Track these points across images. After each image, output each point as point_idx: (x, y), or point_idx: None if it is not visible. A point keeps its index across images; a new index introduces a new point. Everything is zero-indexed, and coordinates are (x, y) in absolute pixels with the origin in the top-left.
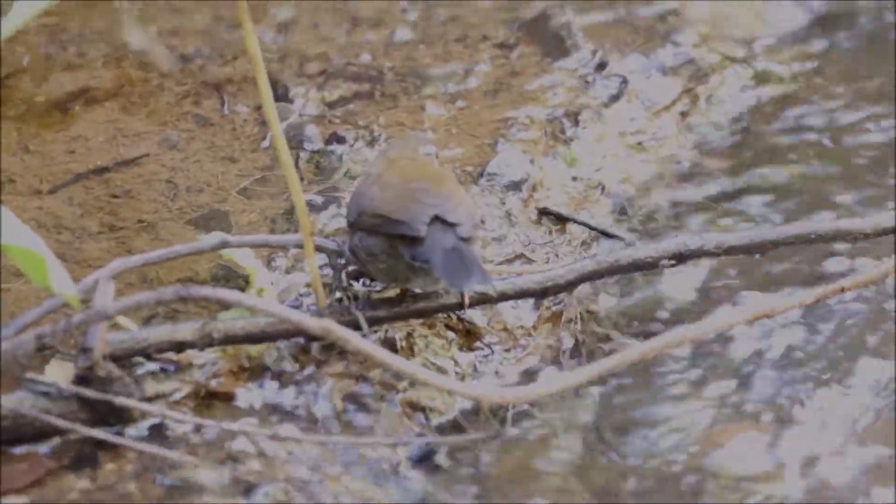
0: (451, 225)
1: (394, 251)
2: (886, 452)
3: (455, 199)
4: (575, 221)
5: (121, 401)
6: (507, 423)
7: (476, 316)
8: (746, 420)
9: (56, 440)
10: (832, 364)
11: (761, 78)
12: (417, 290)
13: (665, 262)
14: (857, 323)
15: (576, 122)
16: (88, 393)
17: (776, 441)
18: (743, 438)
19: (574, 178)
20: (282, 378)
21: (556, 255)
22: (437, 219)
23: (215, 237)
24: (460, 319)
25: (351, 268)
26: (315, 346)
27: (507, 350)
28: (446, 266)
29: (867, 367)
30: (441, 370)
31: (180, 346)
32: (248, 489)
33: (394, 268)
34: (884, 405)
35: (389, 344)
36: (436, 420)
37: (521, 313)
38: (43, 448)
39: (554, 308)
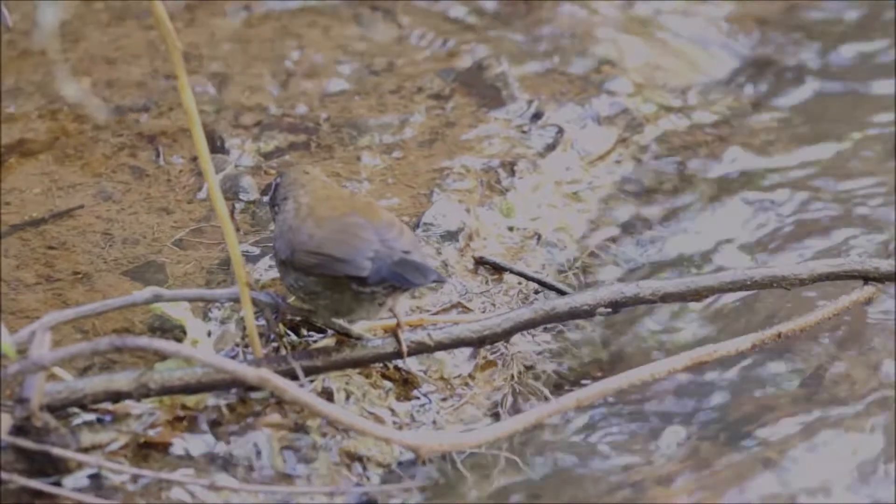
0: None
1: (338, 286)
2: None
3: (396, 228)
4: (511, 271)
5: (58, 451)
6: (448, 471)
7: (413, 365)
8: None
9: None
10: None
11: (696, 127)
12: (354, 334)
13: (602, 309)
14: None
15: (512, 172)
16: (25, 443)
17: None
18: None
19: (510, 228)
20: (219, 428)
21: (493, 305)
22: (383, 246)
23: (148, 291)
24: (397, 369)
25: (289, 317)
26: (252, 396)
27: (445, 399)
28: (397, 271)
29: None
30: (378, 419)
31: (117, 397)
32: None
33: (338, 301)
34: None
35: (327, 394)
36: (373, 469)
37: (458, 362)
38: None
39: (491, 357)
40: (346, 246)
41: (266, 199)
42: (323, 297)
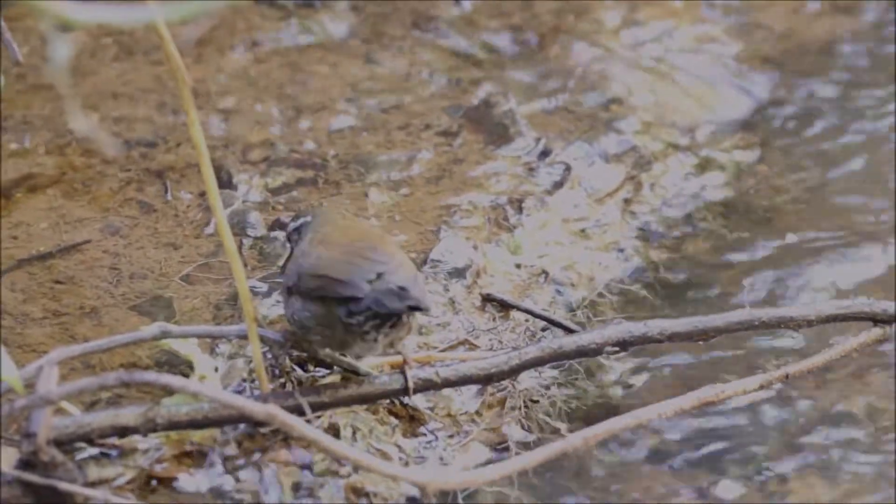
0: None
1: (329, 317)
2: None
3: (398, 259)
4: (518, 309)
5: (64, 486)
6: None
7: (420, 402)
8: None
9: None
10: None
11: (704, 166)
12: (361, 371)
13: (609, 348)
14: None
15: (519, 209)
16: (32, 478)
17: None
18: None
19: (518, 265)
20: (226, 463)
21: (500, 342)
22: (379, 277)
23: (156, 327)
24: (404, 405)
25: (295, 353)
26: (259, 432)
27: (451, 436)
28: (380, 300)
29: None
30: (385, 456)
31: (123, 432)
32: None
33: (330, 336)
34: None
35: (333, 430)
36: None
37: (464, 399)
38: None
39: (498, 394)
40: (348, 267)
41: (285, 232)
42: (315, 331)
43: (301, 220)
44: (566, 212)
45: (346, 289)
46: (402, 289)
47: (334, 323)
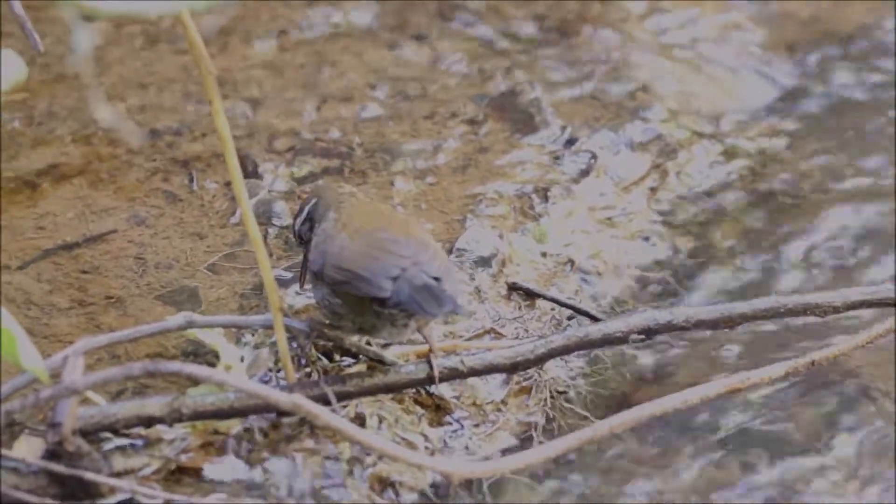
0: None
1: (360, 305)
2: None
3: (430, 249)
4: (544, 297)
5: (90, 476)
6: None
7: (445, 391)
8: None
9: None
10: None
11: (730, 154)
12: (387, 360)
13: (635, 336)
14: None
15: (545, 198)
16: (58, 468)
17: None
18: None
19: (543, 254)
20: (251, 453)
21: (526, 331)
22: (404, 271)
23: (182, 317)
24: (430, 394)
25: (321, 342)
26: (285, 422)
27: (477, 425)
28: (415, 298)
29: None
30: (410, 445)
31: (149, 422)
32: None
33: (361, 321)
34: None
35: (359, 419)
36: (405, 495)
37: (490, 388)
38: None
39: (524, 383)
40: (372, 263)
41: (298, 220)
42: (346, 318)
43: (307, 208)
44: (592, 200)
45: (370, 287)
46: (438, 284)
47: (365, 310)
